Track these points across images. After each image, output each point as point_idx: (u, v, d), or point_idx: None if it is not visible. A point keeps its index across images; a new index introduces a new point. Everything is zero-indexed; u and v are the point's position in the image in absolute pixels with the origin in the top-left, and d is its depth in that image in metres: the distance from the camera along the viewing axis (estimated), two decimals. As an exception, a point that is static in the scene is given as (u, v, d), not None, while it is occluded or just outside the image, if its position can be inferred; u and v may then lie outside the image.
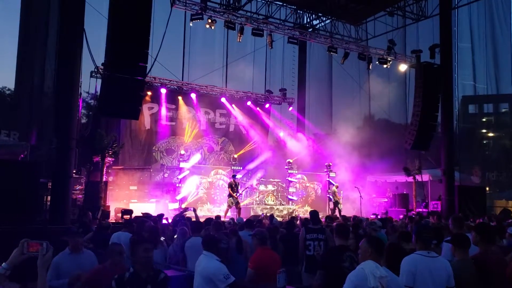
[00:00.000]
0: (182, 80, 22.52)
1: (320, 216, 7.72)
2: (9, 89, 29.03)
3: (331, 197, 19.67)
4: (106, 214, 14.09)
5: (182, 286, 5.27)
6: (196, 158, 20.03)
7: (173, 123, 21.88)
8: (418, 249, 4.07)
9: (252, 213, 16.77)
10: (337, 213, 18.26)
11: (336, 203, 19.09)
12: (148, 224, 7.88)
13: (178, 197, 17.70)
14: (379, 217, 15.88)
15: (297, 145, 23.61)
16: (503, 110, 35.60)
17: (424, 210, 18.54)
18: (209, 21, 17.49)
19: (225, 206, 17.02)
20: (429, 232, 4.20)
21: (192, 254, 6.07)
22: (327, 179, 20.92)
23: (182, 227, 7.41)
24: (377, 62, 21.22)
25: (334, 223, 8.97)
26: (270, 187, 19.95)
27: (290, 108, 25.21)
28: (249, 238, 7.13)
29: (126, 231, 7.91)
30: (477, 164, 26.96)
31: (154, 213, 12.91)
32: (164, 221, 10.21)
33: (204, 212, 17.60)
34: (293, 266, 6.72)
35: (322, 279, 4.53)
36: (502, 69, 25.74)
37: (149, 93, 20.22)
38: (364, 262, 3.65)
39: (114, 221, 13.86)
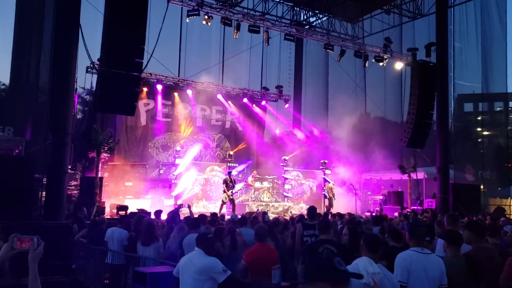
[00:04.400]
0: (178, 76, 22.48)
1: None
2: (4, 84, 28.85)
3: (326, 194, 19.81)
4: (101, 210, 14.09)
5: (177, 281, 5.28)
6: (195, 149, 20.03)
7: (169, 120, 21.83)
8: (411, 246, 4.09)
9: (247, 210, 16.80)
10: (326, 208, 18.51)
11: (330, 199, 19.30)
12: (145, 219, 7.89)
13: (174, 194, 17.71)
14: (373, 214, 15.95)
15: (293, 142, 23.66)
16: (498, 108, 35.76)
17: (418, 207, 18.62)
18: (206, 17, 17.45)
19: (220, 203, 17.04)
20: (422, 229, 4.23)
21: (190, 250, 6.08)
22: (323, 176, 20.98)
23: (181, 224, 7.43)
24: (373, 60, 21.24)
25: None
26: (265, 184, 19.97)
27: (286, 105, 25.22)
28: (245, 235, 7.16)
29: (121, 227, 7.96)
30: (472, 162, 27.06)
31: (149, 209, 12.94)
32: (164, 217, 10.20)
33: (200, 208, 17.62)
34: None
35: (303, 272, 4.63)
36: (497, 68, 25.79)
37: (145, 89, 20.18)
38: (358, 258, 3.72)
39: (109, 217, 13.86)
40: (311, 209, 7.44)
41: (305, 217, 9.70)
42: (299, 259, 6.71)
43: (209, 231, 7.11)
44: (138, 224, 7.73)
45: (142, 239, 7.08)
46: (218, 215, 11.59)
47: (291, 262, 7.14)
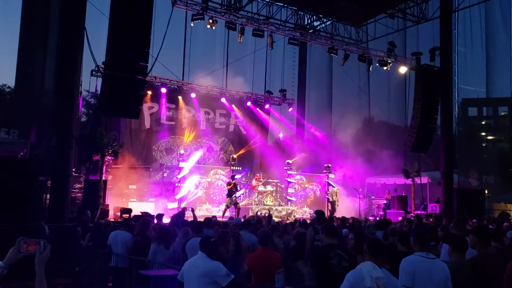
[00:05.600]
0: (183, 79, 22.55)
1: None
2: (9, 87, 29.07)
3: (329, 197, 19.78)
4: (105, 212, 14.09)
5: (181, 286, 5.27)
6: (198, 154, 20.08)
7: (173, 123, 21.89)
8: (416, 250, 4.08)
9: (250, 213, 16.79)
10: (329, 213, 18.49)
11: (333, 203, 19.26)
12: (161, 225, 7.90)
13: (177, 197, 17.71)
14: (377, 219, 15.91)
15: (297, 146, 23.65)
16: (502, 113, 35.66)
17: (422, 212, 18.55)
18: (210, 21, 17.49)
19: (223, 206, 17.03)
20: (427, 234, 4.21)
21: (193, 254, 6.07)
22: (326, 180, 20.94)
23: (185, 227, 7.43)
24: (377, 64, 21.21)
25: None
26: (269, 188, 19.94)
27: (290, 109, 25.23)
28: (247, 238, 7.15)
29: (124, 230, 7.96)
30: (476, 166, 27.01)
31: (153, 212, 12.95)
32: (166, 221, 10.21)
33: (203, 212, 17.61)
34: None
35: (313, 276, 4.62)
36: (501, 73, 25.77)
37: (149, 92, 20.24)
38: (362, 263, 3.70)
39: (113, 220, 13.87)
40: (320, 213, 7.41)
41: (308, 221, 9.71)
42: (307, 263, 6.68)
43: (214, 234, 7.10)
44: (144, 228, 7.72)
45: (164, 242, 7.07)
46: (222, 219, 11.58)
47: (292, 265, 7.12)
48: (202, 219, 8.95)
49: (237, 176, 18.35)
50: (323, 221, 7.30)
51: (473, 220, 12.92)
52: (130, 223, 8.53)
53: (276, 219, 14.45)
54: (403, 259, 4.02)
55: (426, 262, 3.93)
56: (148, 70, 12.58)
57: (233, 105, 23.15)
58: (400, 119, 26.95)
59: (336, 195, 19.57)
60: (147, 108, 20.71)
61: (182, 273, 4.76)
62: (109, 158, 16.28)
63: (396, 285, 3.76)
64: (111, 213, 14.91)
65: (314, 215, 7.75)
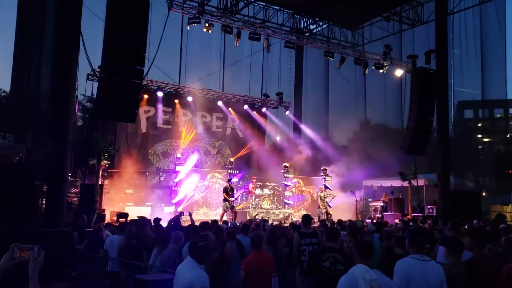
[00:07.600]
0: (179, 83, 22.56)
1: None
2: (4, 91, 28.98)
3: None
4: (102, 217, 14.05)
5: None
6: (194, 158, 20.06)
7: (170, 127, 21.88)
8: (411, 253, 4.08)
9: (248, 217, 16.76)
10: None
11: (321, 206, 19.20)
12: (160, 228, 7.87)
13: (174, 201, 17.68)
14: (374, 221, 15.90)
15: (294, 149, 23.66)
16: (498, 115, 35.74)
17: (419, 214, 18.57)
18: (207, 25, 17.51)
19: (221, 210, 17.01)
20: (422, 236, 4.22)
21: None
22: (324, 183, 20.93)
23: (177, 231, 7.40)
24: (373, 67, 21.27)
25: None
26: (266, 191, 19.92)
27: (287, 112, 25.27)
28: (245, 242, 7.14)
29: (120, 234, 7.94)
30: (473, 168, 27.03)
31: (149, 216, 12.91)
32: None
33: (200, 215, 17.59)
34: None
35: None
36: (497, 75, 25.83)
37: (145, 96, 20.23)
38: (355, 266, 3.70)
39: (110, 222, 13.83)
40: (307, 218, 7.40)
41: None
42: (296, 268, 6.68)
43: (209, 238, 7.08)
44: (139, 232, 7.70)
45: (160, 245, 7.03)
46: (220, 223, 11.55)
47: (288, 270, 7.12)
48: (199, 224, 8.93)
49: (234, 180, 18.33)
50: (310, 225, 7.31)
51: (474, 221, 12.97)
52: (125, 228, 8.49)
53: (275, 223, 14.45)
54: (397, 261, 4.02)
55: (420, 265, 3.93)
56: (144, 74, 12.56)
57: (229, 109, 23.16)
58: (396, 122, 26.98)
59: (321, 198, 19.27)
60: (143, 112, 20.69)
61: (176, 277, 4.76)
62: (105, 162, 16.27)
63: (390, 285, 3.76)
64: (107, 217, 14.88)
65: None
